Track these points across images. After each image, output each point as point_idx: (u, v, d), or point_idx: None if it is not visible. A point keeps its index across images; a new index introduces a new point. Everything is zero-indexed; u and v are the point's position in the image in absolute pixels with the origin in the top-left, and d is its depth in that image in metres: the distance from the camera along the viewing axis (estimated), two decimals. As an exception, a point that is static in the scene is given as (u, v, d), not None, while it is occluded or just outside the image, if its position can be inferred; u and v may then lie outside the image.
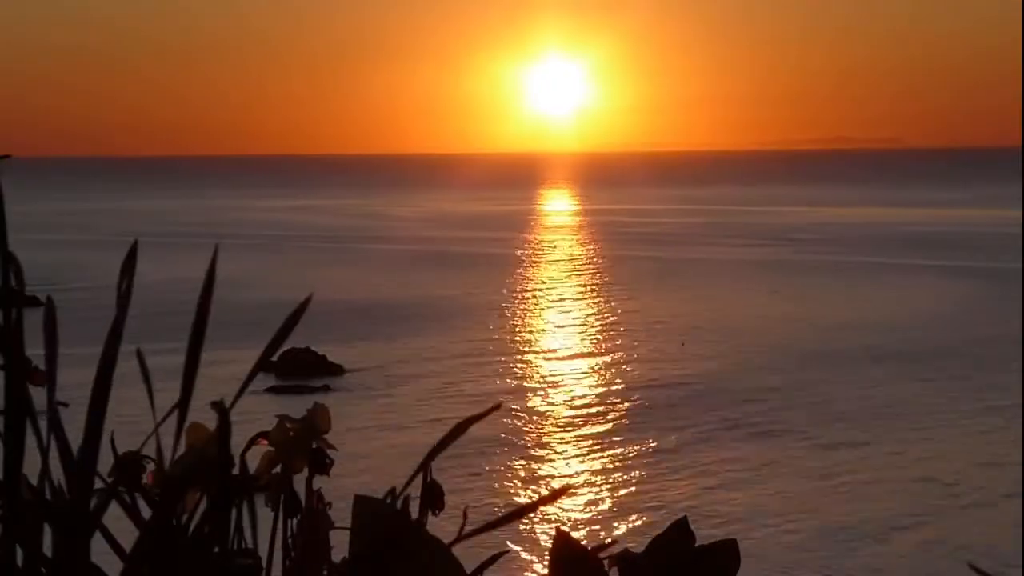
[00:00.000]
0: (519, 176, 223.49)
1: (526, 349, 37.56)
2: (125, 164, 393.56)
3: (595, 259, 67.97)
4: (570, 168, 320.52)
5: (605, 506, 22.27)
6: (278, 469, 2.22)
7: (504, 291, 51.72)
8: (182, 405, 1.81)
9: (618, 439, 26.92)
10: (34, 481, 1.82)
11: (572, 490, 22.76)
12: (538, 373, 33.93)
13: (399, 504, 2.11)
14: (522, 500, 21.26)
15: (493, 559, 2.12)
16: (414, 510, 2.20)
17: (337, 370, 33.37)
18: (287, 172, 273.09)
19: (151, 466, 2.06)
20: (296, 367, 32.08)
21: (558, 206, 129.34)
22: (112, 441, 1.92)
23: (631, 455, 25.61)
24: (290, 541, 2.20)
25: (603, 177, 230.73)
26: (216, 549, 1.89)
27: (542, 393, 31.30)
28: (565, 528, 2.58)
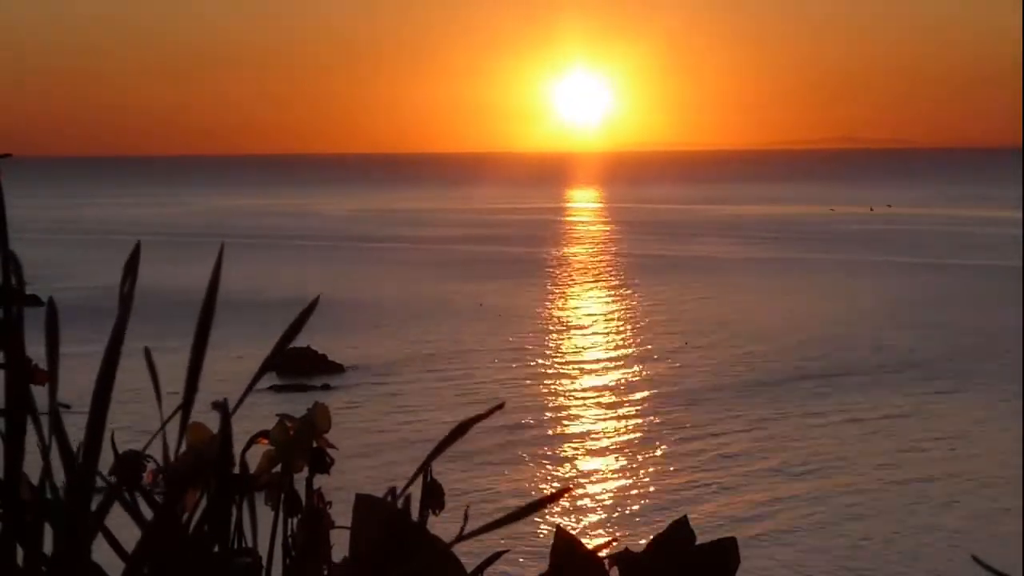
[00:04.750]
0: (534, 175, 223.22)
1: (528, 348, 37.55)
2: (145, 164, 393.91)
3: (598, 257, 67.96)
4: (588, 167, 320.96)
5: (606, 505, 22.29)
6: (278, 468, 2.22)
7: (507, 290, 51.71)
8: (185, 405, 1.82)
9: (617, 438, 26.93)
10: (35, 481, 1.82)
11: (573, 490, 22.75)
12: (540, 372, 33.91)
13: (400, 503, 2.11)
14: (522, 499, 21.26)
15: (493, 558, 2.12)
16: (414, 509, 2.20)
17: (337, 369, 33.38)
18: (318, 170, 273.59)
19: (151, 465, 2.06)
20: (296, 366, 32.07)
21: (563, 204, 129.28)
22: (112, 440, 1.92)
23: (630, 454, 25.62)
24: (290, 540, 2.20)
25: (614, 176, 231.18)
26: (216, 548, 1.89)
27: (543, 392, 31.30)
28: (566, 527, 2.57)
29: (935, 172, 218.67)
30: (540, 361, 35.55)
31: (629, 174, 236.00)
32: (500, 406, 1.86)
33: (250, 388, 1.84)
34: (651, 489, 23.15)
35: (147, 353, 1.89)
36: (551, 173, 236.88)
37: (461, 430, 1.82)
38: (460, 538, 1.96)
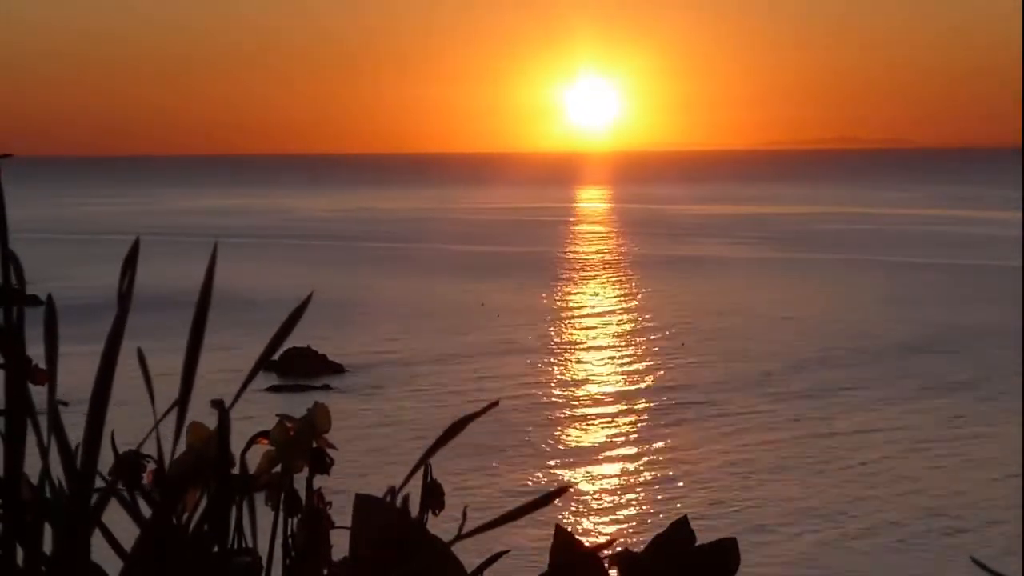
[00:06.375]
0: (542, 176, 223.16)
1: (528, 348, 37.54)
2: (145, 164, 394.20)
3: (600, 257, 67.97)
4: (595, 167, 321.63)
5: (605, 504, 22.30)
6: (278, 468, 2.21)
7: (508, 290, 51.70)
8: (181, 404, 1.81)
9: (616, 437, 26.95)
10: (35, 480, 1.82)
11: (570, 489, 22.75)
12: (540, 372, 33.91)
13: (399, 503, 2.11)
14: (520, 498, 21.23)
15: (493, 559, 2.12)
16: (414, 509, 2.20)
17: (337, 369, 33.37)
18: (326, 169, 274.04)
19: (151, 465, 2.06)
20: (297, 366, 32.07)
21: (567, 204, 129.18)
22: (112, 440, 1.92)
23: (629, 453, 25.64)
24: (290, 540, 2.19)
25: (619, 176, 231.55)
26: (216, 548, 1.89)
27: (541, 391, 31.29)
28: (565, 527, 2.57)
29: (935, 172, 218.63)
30: (540, 361, 35.55)
31: (634, 174, 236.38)
32: (495, 404, 1.86)
33: (245, 385, 1.84)
34: (650, 489, 23.15)
35: (140, 353, 1.88)
36: (559, 173, 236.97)
37: (456, 428, 1.82)
38: (459, 537, 1.96)
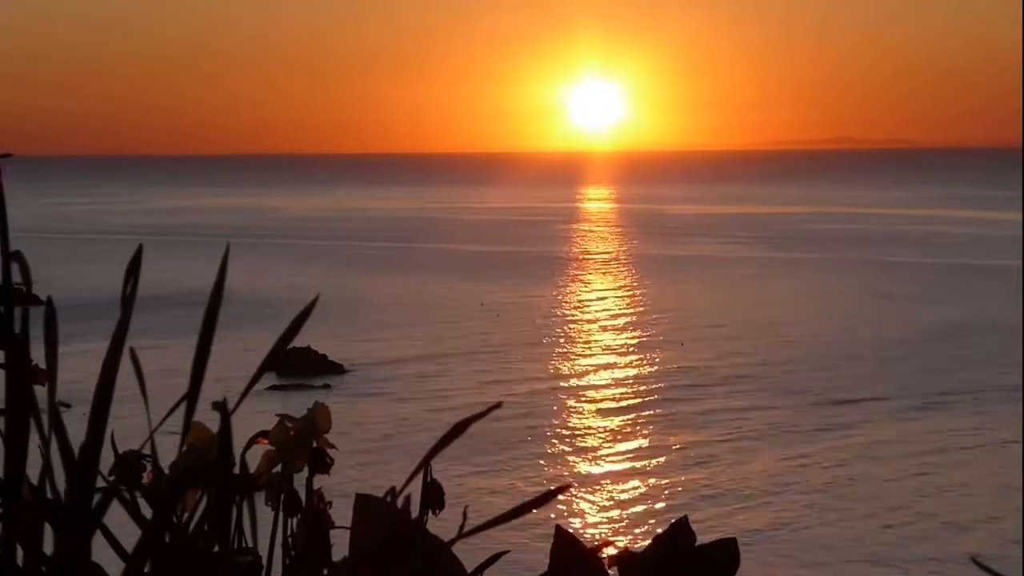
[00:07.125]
0: (545, 175, 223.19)
1: (528, 348, 37.53)
2: (143, 164, 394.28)
3: (600, 257, 67.97)
4: (598, 166, 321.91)
5: (605, 504, 22.31)
6: (278, 468, 2.22)
7: (508, 290, 51.69)
8: (190, 400, 1.82)
9: (616, 437, 26.95)
10: (35, 481, 1.82)
11: (570, 488, 22.75)
12: (540, 371, 33.90)
13: (399, 503, 2.11)
14: (520, 498, 21.23)
15: (493, 559, 2.12)
16: (414, 509, 2.20)
17: (338, 369, 33.34)
18: (333, 169, 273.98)
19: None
20: (297, 366, 32.05)
21: (568, 204, 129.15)
22: (112, 440, 1.92)
23: (629, 454, 25.64)
24: (290, 540, 2.20)
25: (620, 176, 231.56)
26: (216, 548, 1.89)
27: (541, 391, 31.29)
28: (565, 526, 2.58)
29: (935, 172, 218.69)
30: (540, 361, 35.54)
31: (637, 174, 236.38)
32: (498, 405, 1.86)
33: (250, 387, 1.84)
34: (651, 489, 23.16)
35: (132, 354, 1.89)
36: (562, 173, 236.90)
37: (459, 429, 1.82)
38: (459, 536, 1.96)
